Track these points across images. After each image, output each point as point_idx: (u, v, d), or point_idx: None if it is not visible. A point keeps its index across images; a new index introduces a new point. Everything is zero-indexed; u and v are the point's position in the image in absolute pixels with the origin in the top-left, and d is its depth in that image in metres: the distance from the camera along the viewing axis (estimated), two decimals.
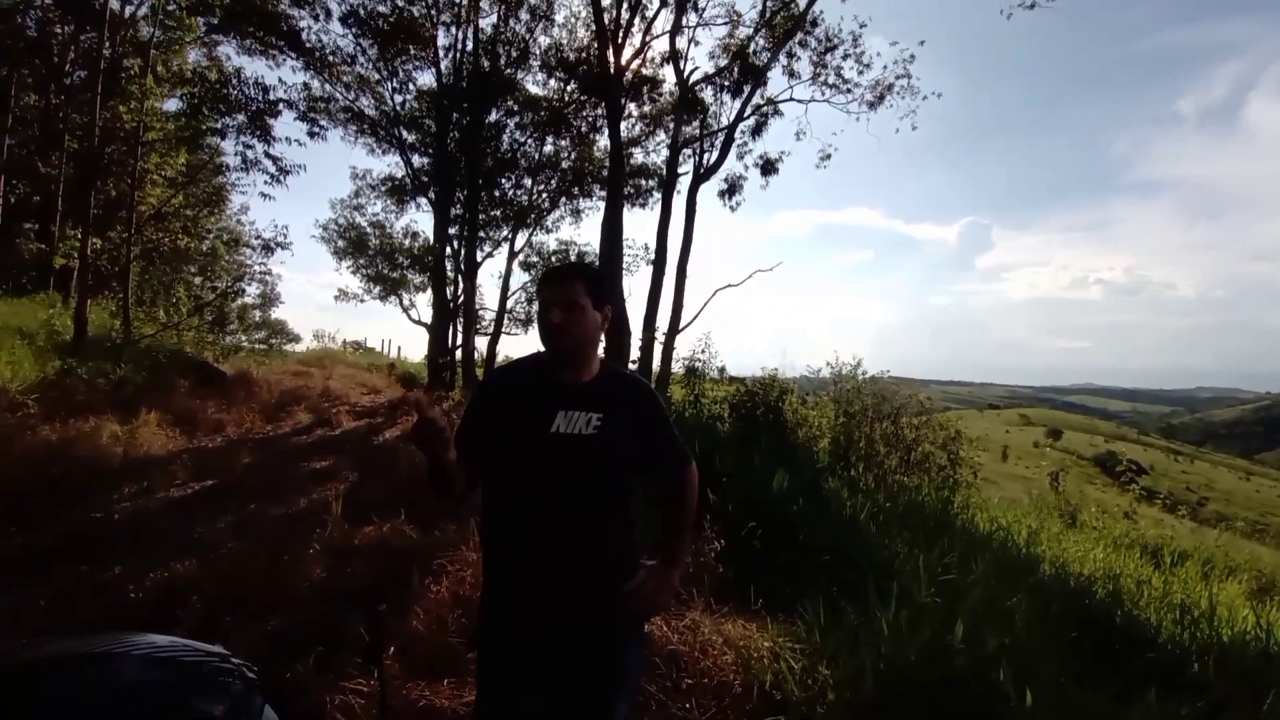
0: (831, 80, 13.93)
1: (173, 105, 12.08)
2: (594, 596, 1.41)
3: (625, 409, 1.50)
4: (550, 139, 15.78)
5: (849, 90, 13.95)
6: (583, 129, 15.77)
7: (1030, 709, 1.61)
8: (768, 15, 13.42)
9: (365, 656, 1.07)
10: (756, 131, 14.83)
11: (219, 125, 11.67)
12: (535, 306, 1.62)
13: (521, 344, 24.99)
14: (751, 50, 13.64)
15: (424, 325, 17.24)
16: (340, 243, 18.71)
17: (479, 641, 1.47)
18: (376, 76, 14.09)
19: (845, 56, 13.70)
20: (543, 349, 1.50)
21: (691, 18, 13.64)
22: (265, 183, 11.97)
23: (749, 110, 14.03)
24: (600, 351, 1.58)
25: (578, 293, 1.45)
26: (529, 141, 15.42)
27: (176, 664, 0.59)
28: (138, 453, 6.57)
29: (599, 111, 14.88)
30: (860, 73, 13.82)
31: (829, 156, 15.27)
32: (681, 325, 13.18)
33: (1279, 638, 3.36)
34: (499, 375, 1.57)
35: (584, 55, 14.34)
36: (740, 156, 15.04)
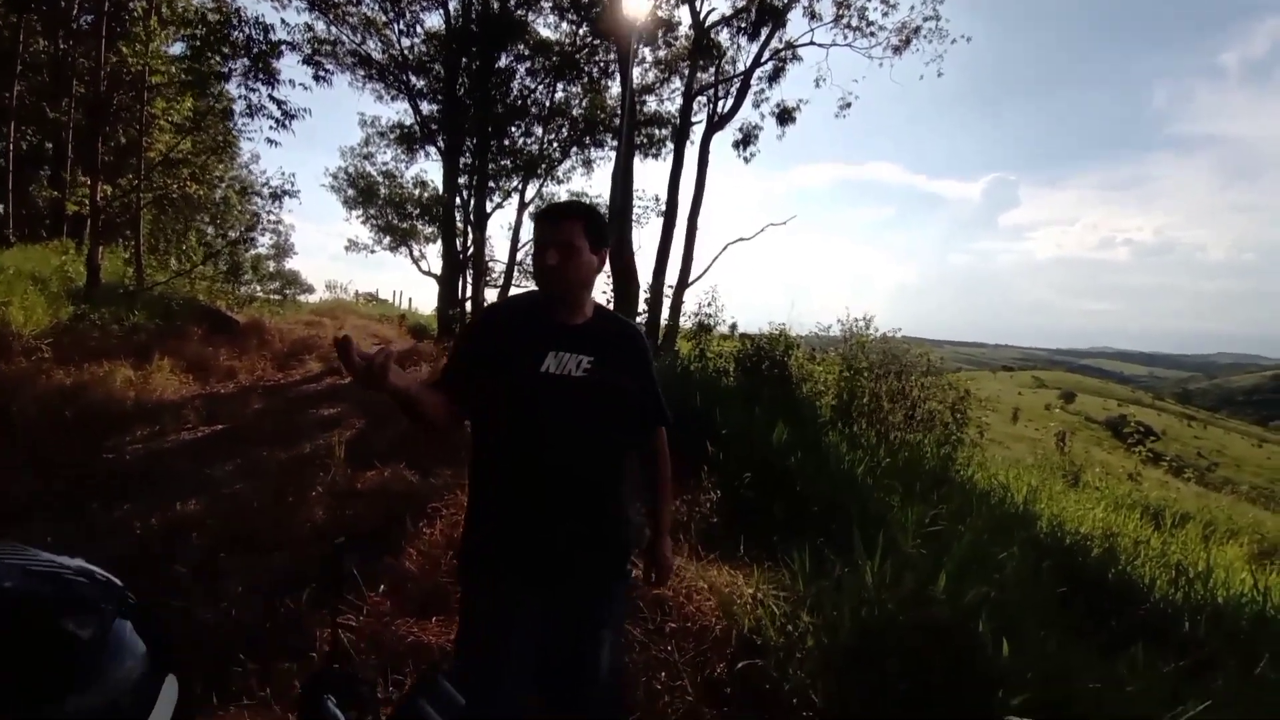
0: (854, 23, 13.25)
1: (178, 50, 11.82)
2: (581, 539, 1.40)
3: (617, 354, 1.47)
4: (561, 85, 15.32)
5: (873, 34, 13.28)
6: (594, 74, 15.27)
7: (1008, 658, 1.60)
8: None
9: (323, 592, 1.05)
10: (774, 78, 14.25)
11: (223, 69, 11.42)
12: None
13: None
14: None
15: (434, 276, 17.23)
16: (350, 192, 18.60)
17: (462, 576, 1.47)
18: (384, 18, 13.65)
19: None
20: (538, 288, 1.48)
21: None
22: (270, 128, 11.76)
23: (766, 55, 13.46)
24: (609, 300, 1.55)
25: (574, 233, 1.40)
26: (539, 88, 14.99)
27: (54, 579, 0.56)
28: (150, 397, 6.69)
29: (611, 56, 14.35)
30: (885, 14, 13.14)
31: (849, 105, 14.70)
32: (691, 278, 13.01)
33: (1276, 601, 3.33)
34: (490, 312, 1.52)
35: None
36: (756, 105, 14.51)
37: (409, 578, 2.70)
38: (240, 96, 11.95)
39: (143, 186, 11.25)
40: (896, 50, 13.34)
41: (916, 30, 13.07)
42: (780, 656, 1.85)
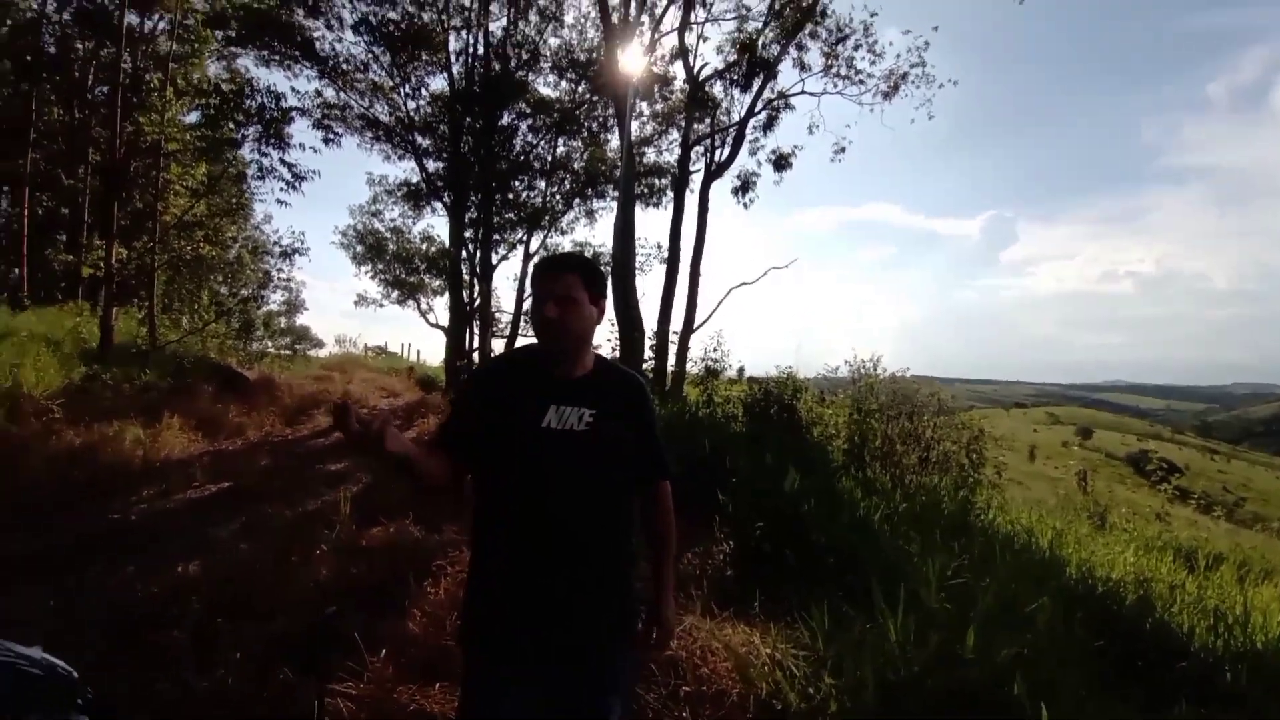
0: (843, 71, 13.69)
1: (192, 118, 12.32)
2: (585, 597, 1.35)
3: (618, 406, 1.45)
4: (562, 140, 15.81)
5: (862, 81, 13.70)
6: (593, 129, 15.77)
7: None
8: (776, 7, 13.25)
9: (304, 665, 0.99)
10: (768, 126, 14.63)
11: (236, 136, 11.86)
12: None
13: None
14: (761, 43, 13.46)
15: (441, 328, 17.39)
16: (359, 248, 18.97)
17: (463, 640, 1.40)
18: (390, 83, 14.22)
19: (857, 47, 13.46)
20: (536, 342, 1.46)
21: (699, 13, 13.53)
22: (281, 189, 12.12)
23: (760, 105, 13.86)
24: (614, 349, 1.54)
25: (573, 286, 1.39)
26: (541, 143, 15.45)
27: (10, 673, 0.52)
28: (158, 456, 6.68)
29: (609, 111, 14.84)
30: (873, 63, 13.57)
31: (843, 150, 15.01)
32: (696, 324, 13.05)
33: None
34: (489, 368, 1.50)
35: (593, 55, 14.32)
36: (753, 152, 14.88)
37: (412, 640, 2.60)
38: (252, 160, 12.37)
39: (157, 249, 11.52)
40: (886, 96, 13.73)
41: (904, 76, 13.48)
42: None
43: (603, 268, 1.49)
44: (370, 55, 13.45)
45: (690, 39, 13.43)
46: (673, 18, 13.48)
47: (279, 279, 18.94)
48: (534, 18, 14.23)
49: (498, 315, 17.84)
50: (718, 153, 14.38)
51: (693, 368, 10.78)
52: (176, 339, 11.19)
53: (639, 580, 1.54)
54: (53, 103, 14.65)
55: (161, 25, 14.10)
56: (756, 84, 13.56)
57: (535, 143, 15.31)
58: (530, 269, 16.27)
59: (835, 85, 13.86)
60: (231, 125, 11.44)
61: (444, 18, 13.29)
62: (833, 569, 2.93)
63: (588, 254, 17.58)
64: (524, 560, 1.34)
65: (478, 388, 1.46)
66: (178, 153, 11.50)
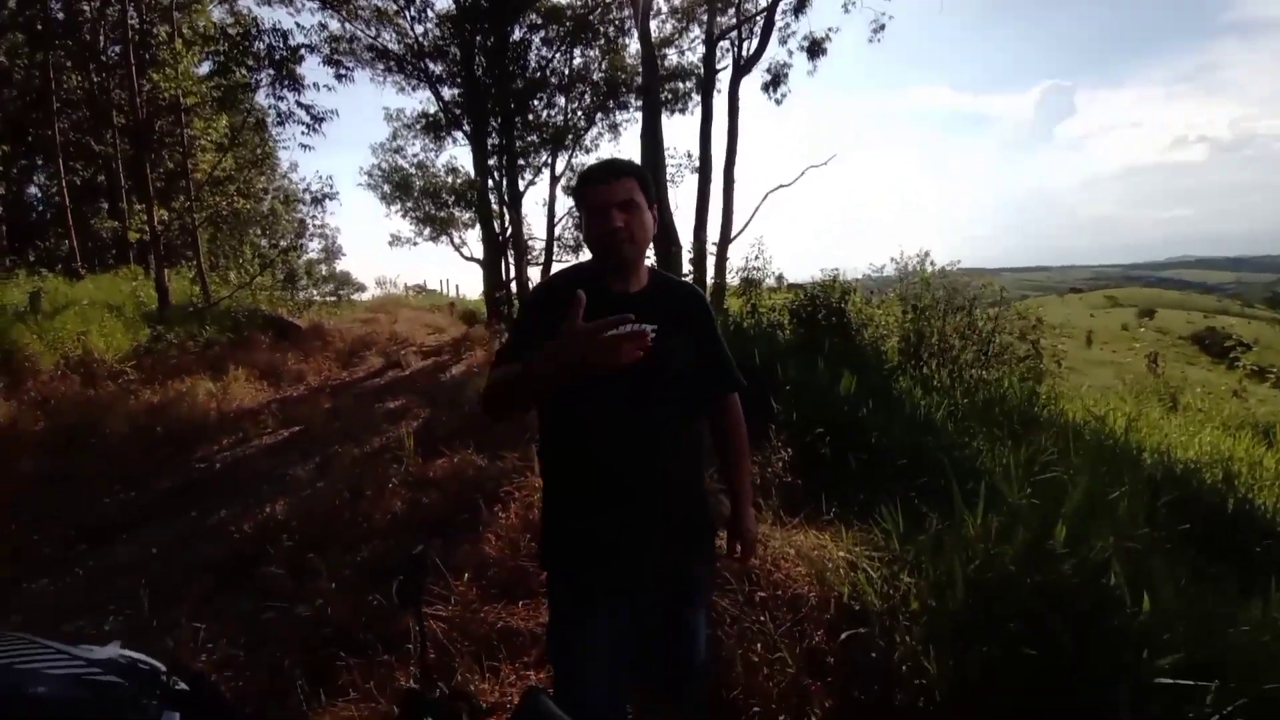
0: None
1: (205, 69, 12.10)
2: (660, 517, 1.33)
3: (681, 319, 1.37)
4: (578, 50, 14.94)
5: None
6: (610, 34, 14.79)
7: (1148, 614, 1.44)
8: None
9: (402, 603, 0.99)
10: (799, 9, 13.37)
11: (249, 80, 11.63)
12: (579, 212, 1.37)
13: None
14: None
15: (477, 261, 17.38)
16: (386, 188, 18.85)
17: (548, 567, 1.42)
18: (394, 7, 13.53)
19: None
20: (587, 260, 1.37)
21: None
22: (302, 133, 12.00)
23: None
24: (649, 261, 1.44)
25: (633, 190, 1.28)
26: (557, 56, 14.65)
27: (88, 681, 0.50)
28: (230, 407, 7.04)
29: (625, 13, 13.84)
30: None
31: (883, 27, 13.68)
32: (733, 233, 12.61)
33: None
34: (545, 290, 1.41)
35: None
36: (783, 41, 13.71)
37: (490, 563, 2.72)
38: (270, 106, 12.19)
39: (195, 207, 11.69)
40: None
41: None
42: (885, 624, 1.74)
43: None
44: None
45: None
46: None
47: (314, 226, 19.11)
48: None
49: (531, 243, 17.67)
50: (745, 45, 13.33)
51: (733, 278, 10.51)
52: (228, 294, 11.54)
53: (712, 497, 1.52)
54: (69, 69, 14.58)
55: None
56: None
57: (550, 56, 14.51)
58: (559, 190, 15.82)
59: None
60: (244, 71, 11.21)
61: None
62: (899, 470, 2.88)
63: None
64: (596, 485, 1.31)
65: (535, 311, 1.37)
66: (197, 106, 11.40)
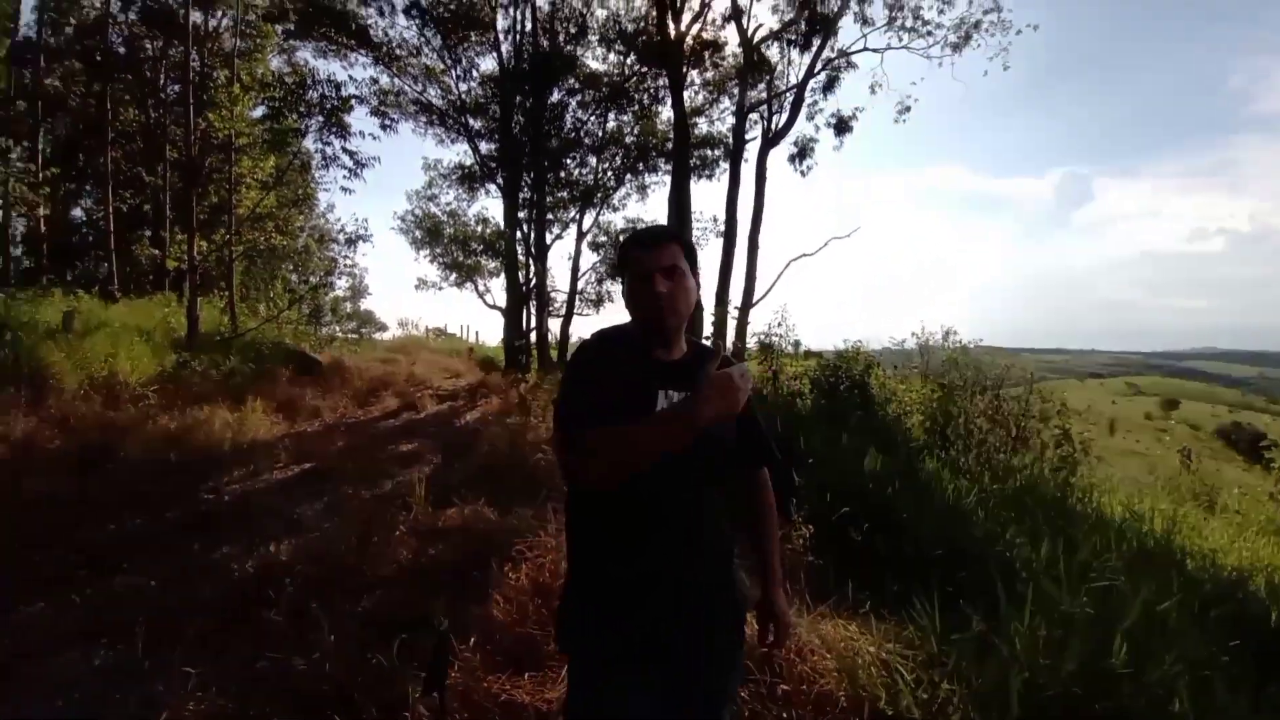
0: (909, 24, 12.89)
1: (258, 112, 12.77)
2: (695, 594, 1.27)
3: None
4: (612, 115, 15.61)
5: (930, 33, 12.86)
6: (644, 101, 15.48)
7: None
8: None
9: (427, 683, 0.93)
10: (828, 87, 13.98)
11: (300, 126, 12.23)
12: (615, 279, 1.35)
13: (593, 324, 25.32)
14: None
15: (499, 309, 17.64)
16: (418, 233, 19.41)
17: (568, 640, 1.33)
18: (441, 66, 14.33)
19: None
20: (628, 322, 1.35)
21: None
22: (344, 177, 12.50)
23: (819, 65, 13.25)
24: None
25: (677, 256, 1.28)
26: (591, 119, 15.29)
27: None
28: (245, 438, 7.02)
29: (660, 82, 14.51)
30: (941, 11, 12.70)
31: (908, 109, 14.21)
32: (755, 298, 12.75)
33: None
34: (595, 351, 1.37)
35: (642, 25, 13.97)
36: (811, 117, 14.27)
37: (497, 628, 2.60)
38: (316, 149, 12.76)
39: (234, 241, 12.09)
40: (956, 48, 12.85)
41: (976, 25, 12.55)
42: None
43: None
44: (422, 39, 13.58)
45: (743, 0, 12.89)
46: None
47: (344, 265, 19.63)
48: None
49: (553, 294, 17.96)
50: (774, 119, 13.86)
51: (753, 343, 10.53)
52: (255, 326, 11.76)
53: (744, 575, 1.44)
54: (128, 102, 15.45)
55: (225, 22, 14.59)
56: (816, 43, 12.93)
57: (585, 119, 15.16)
58: (585, 246, 16.14)
59: (901, 39, 13.08)
60: (295, 116, 11.80)
61: None
62: (933, 559, 2.74)
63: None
64: (631, 556, 1.25)
65: (589, 370, 1.33)
66: (247, 146, 11.96)
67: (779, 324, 7.75)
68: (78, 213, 18.99)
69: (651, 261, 1.26)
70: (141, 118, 15.83)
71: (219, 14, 14.77)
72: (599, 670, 1.26)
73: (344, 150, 12.80)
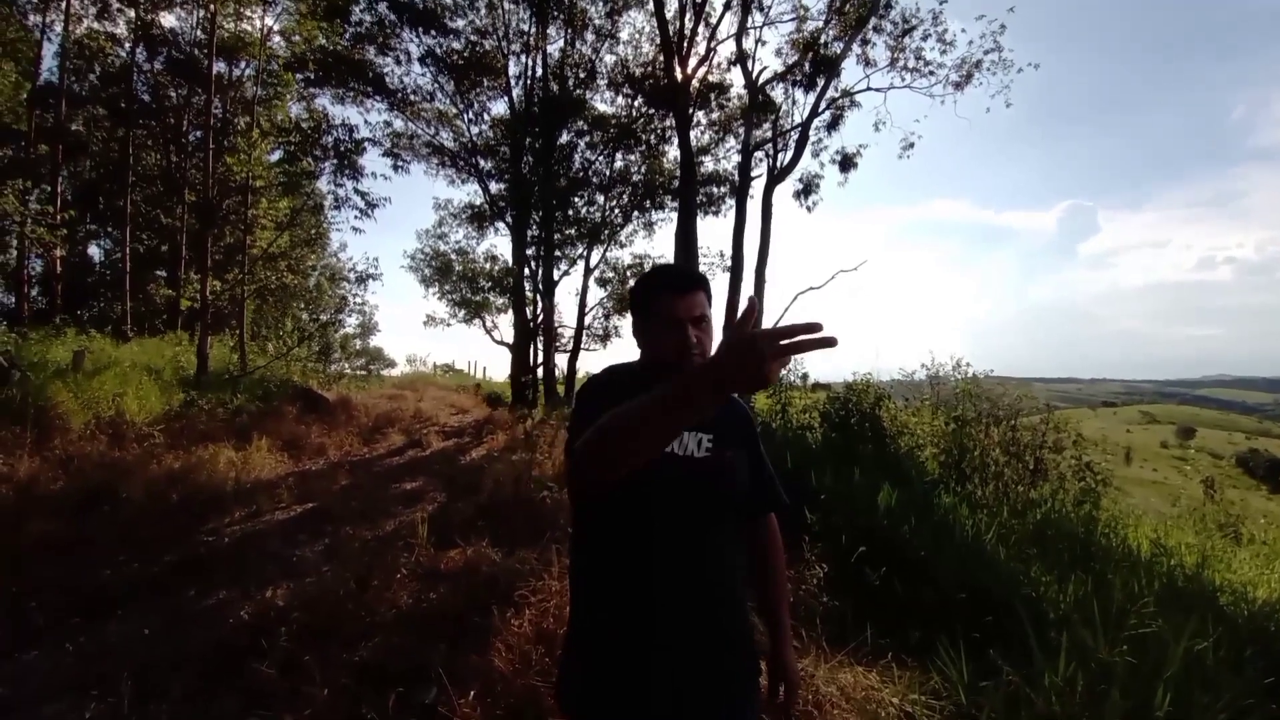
0: (911, 64, 13.13)
1: (275, 156, 13.12)
2: (709, 646, 1.19)
3: (731, 431, 1.30)
4: (620, 155, 15.89)
5: (931, 73, 13.10)
6: (651, 141, 15.77)
7: None
8: (838, 3, 12.87)
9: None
10: (832, 126, 14.22)
11: (314, 169, 12.54)
12: (623, 313, 1.30)
13: (599, 360, 25.35)
14: (822, 42, 13.11)
15: (506, 345, 17.69)
16: (427, 271, 19.66)
17: (570, 703, 1.24)
18: (454, 110, 14.73)
19: (925, 37, 12.89)
20: (637, 360, 1.32)
21: (757, 18, 13.30)
22: (355, 217, 12.73)
23: (823, 105, 13.46)
24: None
25: (704, 304, 1.25)
26: (599, 159, 15.59)
27: None
28: (249, 477, 6.96)
29: (667, 123, 14.81)
30: (943, 52, 13.01)
31: (912, 145, 14.40)
32: None
33: None
34: (608, 386, 1.30)
35: (649, 69, 14.36)
36: (815, 154, 14.50)
37: (498, 679, 2.48)
38: (329, 191, 13.04)
39: (246, 280, 12.27)
40: (958, 86, 13.06)
41: (978, 64, 12.79)
42: None
43: None
44: (435, 85, 13.98)
45: (748, 44, 13.24)
46: (729, 24, 13.40)
47: (354, 303, 19.87)
48: (590, 36, 14.44)
49: (560, 330, 18.03)
50: (780, 156, 14.05)
51: None
52: (264, 364, 11.82)
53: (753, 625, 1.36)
54: (149, 147, 15.94)
55: (247, 71, 15.13)
56: (820, 83, 13.19)
57: (593, 159, 15.46)
58: (592, 281, 16.23)
59: (903, 79, 13.33)
60: (310, 160, 12.11)
61: (504, 44, 13.66)
62: (956, 601, 2.61)
63: (647, 266, 17.55)
64: (645, 605, 1.17)
65: (603, 400, 1.25)
66: (263, 189, 12.24)
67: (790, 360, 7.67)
68: (94, 252, 19.43)
69: (684, 310, 1.22)
70: (163, 162, 16.30)
71: (242, 64, 15.32)
72: (601, 714, 1.17)
73: (356, 191, 13.07)
